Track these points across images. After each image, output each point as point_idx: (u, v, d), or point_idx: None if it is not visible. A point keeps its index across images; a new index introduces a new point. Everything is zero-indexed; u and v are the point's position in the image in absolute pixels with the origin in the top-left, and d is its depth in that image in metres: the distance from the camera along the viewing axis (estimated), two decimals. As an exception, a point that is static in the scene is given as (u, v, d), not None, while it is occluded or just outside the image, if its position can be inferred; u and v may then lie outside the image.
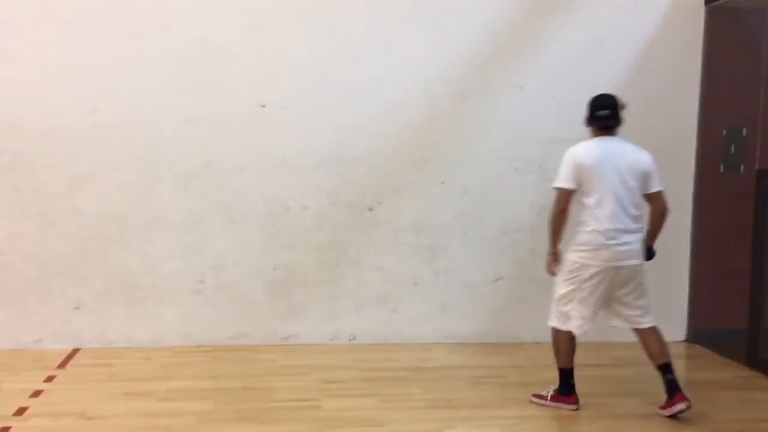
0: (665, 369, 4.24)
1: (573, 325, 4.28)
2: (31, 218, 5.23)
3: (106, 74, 5.24)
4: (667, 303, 5.84)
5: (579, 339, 4.34)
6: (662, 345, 4.30)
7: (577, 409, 4.32)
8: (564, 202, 4.23)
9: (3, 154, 5.17)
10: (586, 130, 4.40)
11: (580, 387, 4.39)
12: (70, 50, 5.20)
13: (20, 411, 4.12)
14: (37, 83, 5.18)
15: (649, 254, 4.35)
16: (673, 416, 4.17)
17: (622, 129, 4.33)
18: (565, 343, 4.33)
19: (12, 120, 5.16)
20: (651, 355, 4.31)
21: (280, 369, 5.01)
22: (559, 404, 4.34)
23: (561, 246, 4.32)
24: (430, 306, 5.69)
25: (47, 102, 5.20)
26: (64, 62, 5.20)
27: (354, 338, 5.63)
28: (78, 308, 5.32)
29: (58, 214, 5.26)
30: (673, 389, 4.19)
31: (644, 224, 4.31)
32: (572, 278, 4.26)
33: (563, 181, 4.24)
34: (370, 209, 5.60)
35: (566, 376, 4.35)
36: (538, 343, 4.49)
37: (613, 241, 4.17)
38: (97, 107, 5.25)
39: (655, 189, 4.29)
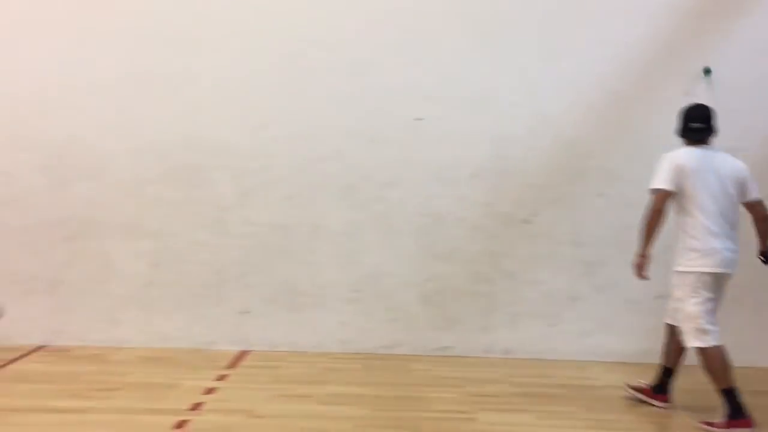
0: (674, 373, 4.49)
1: (714, 339, 4.15)
2: (207, 227, 5.65)
3: (274, 92, 5.57)
4: None
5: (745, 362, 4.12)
6: None
7: (754, 435, 4.03)
8: (660, 203, 4.22)
9: (183, 169, 5.63)
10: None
11: (755, 417, 4.08)
12: (243, 70, 5.57)
13: (196, 406, 4.46)
14: (213, 102, 5.60)
15: None
16: None
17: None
18: (718, 359, 4.13)
19: (191, 136, 5.61)
20: (677, 362, 4.48)
21: (434, 379, 5.06)
22: (736, 430, 4.05)
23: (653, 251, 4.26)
24: (587, 322, 5.53)
25: (222, 119, 5.60)
26: (238, 82, 5.58)
27: (508, 352, 5.58)
28: (247, 312, 5.68)
29: (230, 224, 5.64)
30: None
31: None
32: (697, 290, 4.17)
33: (660, 183, 4.23)
34: (526, 221, 5.53)
35: (732, 397, 4.08)
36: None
37: (720, 246, 4.14)
38: (266, 123, 5.59)
39: (754, 196, 4.26)
